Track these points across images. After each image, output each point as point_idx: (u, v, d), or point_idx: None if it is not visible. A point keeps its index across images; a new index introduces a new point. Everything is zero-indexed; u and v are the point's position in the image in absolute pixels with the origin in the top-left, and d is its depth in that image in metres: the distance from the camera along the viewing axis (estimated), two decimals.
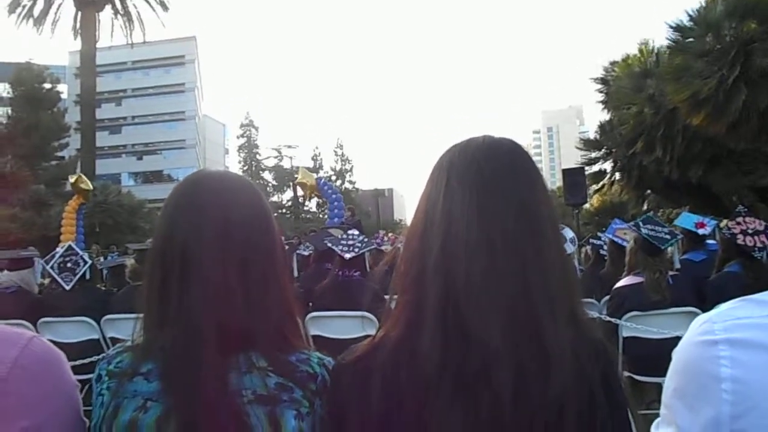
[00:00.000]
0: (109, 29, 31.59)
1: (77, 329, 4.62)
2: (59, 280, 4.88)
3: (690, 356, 0.80)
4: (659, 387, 3.62)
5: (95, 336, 4.62)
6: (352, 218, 14.99)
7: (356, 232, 4.62)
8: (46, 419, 0.88)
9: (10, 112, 33.46)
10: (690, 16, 14.45)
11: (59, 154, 35.65)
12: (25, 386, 0.86)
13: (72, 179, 17.17)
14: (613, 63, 19.69)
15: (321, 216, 39.88)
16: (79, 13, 28.47)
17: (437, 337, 0.89)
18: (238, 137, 62.46)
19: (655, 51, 17.68)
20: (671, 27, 14.75)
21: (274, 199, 56.59)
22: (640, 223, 3.94)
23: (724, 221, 4.34)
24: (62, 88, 39.67)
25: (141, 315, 1.05)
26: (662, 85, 15.06)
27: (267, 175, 59.71)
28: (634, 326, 3.73)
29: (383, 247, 7.22)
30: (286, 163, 58.43)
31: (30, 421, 0.85)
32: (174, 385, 0.95)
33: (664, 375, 0.86)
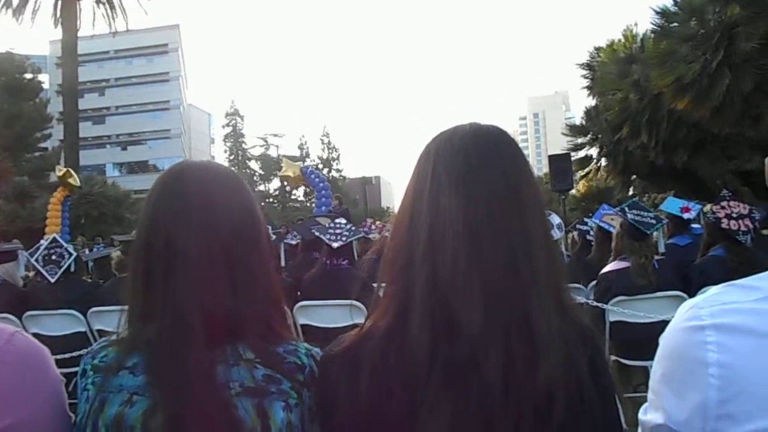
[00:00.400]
0: (90, 18, 31.07)
1: (63, 322, 4.58)
2: (44, 272, 4.83)
3: (677, 342, 0.80)
4: (646, 370, 3.67)
5: (82, 329, 4.59)
6: (339, 207, 14.94)
7: (343, 221, 4.61)
8: (31, 415, 0.87)
9: None
10: (674, 1, 14.51)
11: (42, 145, 35.26)
12: (7, 382, 0.84)
13: (60, 173, 16.94)
14: (598, 48, 19.77)
15: (308, 205, 39.80)
16: (60, 2, 27.98)
17: (425, 327, 0.88)
18: (223, 126, 61.98)
19: (640, 36, 17.76)
20: (656, 12, 14.84)
21: (261, 188, 56.30)
22: (626, 209, 3.97)
23: (709, 205, 4.39)
24: (44, 78, 39.21)
25: (126, 307, 1.04)
26: (647, 70, 15.16)
27: (254, 165, 59.33)
28: (621, 311, 3.77)
29: (371, 236, 7.21)
30: (272, 152, 58.11)
31: (14, 418, 0.84)
32: (160, 379, 0.94)
33: (650, 358, 0.86)
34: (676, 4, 14.48)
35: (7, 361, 0.85)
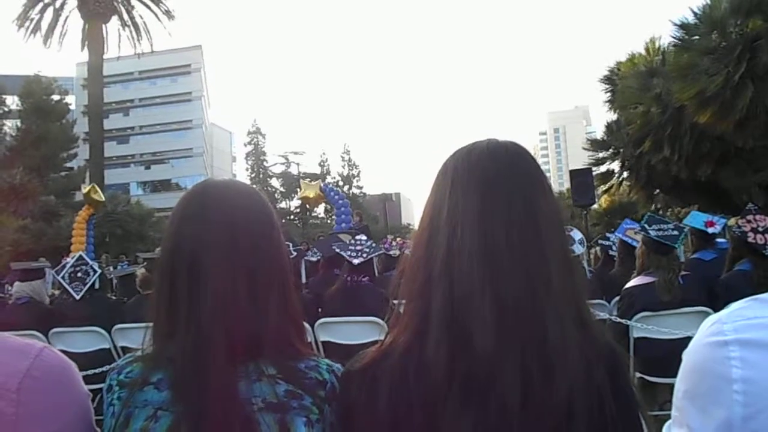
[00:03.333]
0: (116, 40, 31.87)
1: (88, 339, 4.65)
2: (70, 289, 4.91)
3: (700, 357, 0.79)
4: (672, 388, 3.59)
5: (106, 345, 4.65)
6: (360, 223, 14.95)
7: (364, 237, 4.62)
8: (59, 429, 0.89)
9: (19, 124, 33.82)
10: (695, 13, 14.42)
11: (68, 164, 35.97)
12: (36, 397, 0.86)
13: (85, 189, 17.23)
14: (618, 63, 19.65)
15: (329, 222, 39.87)
16: (86, 25, 28.70)
17: (443, 344, 0.89)
18: (245, 144, 62.63)
19: (661, 50, 17.62)
20: (676, 25, 14.72)
21: (282, 205, 56.62)
22: (646, 226, 3.91)
23: (734, 219, 4.31)
24: (70, 99, 40.03)
25: (150, 324, 1.06)
26: (669, 83, 15.01)
27: (275, 182, 59.76)
28: (645, 327, 3.71)
29: (391, 252, 7.21)
30: (293, 170, 58.52)
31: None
32: (184, 395, 0.96)
33: (676, 375, 0.85)
34: (696, 17, 14.37)
35: (36, 376, 0.87)
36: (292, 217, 54.33)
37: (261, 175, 59.62)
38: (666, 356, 3.36)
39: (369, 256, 4.33)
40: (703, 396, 0.77)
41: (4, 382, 0.84)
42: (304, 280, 6.43)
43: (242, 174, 61.85)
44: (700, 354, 0.80)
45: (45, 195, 29.10)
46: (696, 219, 5.06)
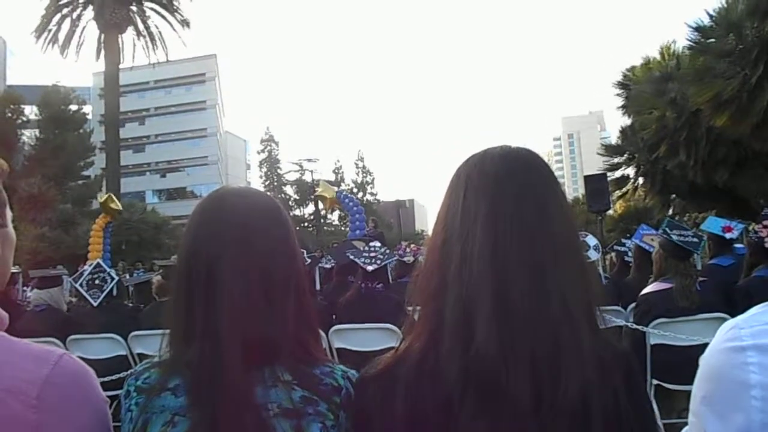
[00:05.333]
0: (131, 50, 32.17)
1: (105, 346, 4.69)
2: (87, 296, 4.97)
3: (718, 363, 0.79)
4: (689, 395, 3.55)
5: (123, 352, 4.68)
6: (374, 230, 14.97)
7: (378, 244, 4.63)
8: None
9: (38, 133, 34.23)
10: (710, 16, 14.29)
11: (85, 173, 36.33)
12: (56, 403, 0.87)
13: (102, 198, 17.44)
14: (632, 67, 19.56)
15: (343, 229, 39.91)
16: (103, 36, 29.07)
17: (456, 349, 0.89)
18: (259, 152, 62.98)
19: (676, 53, 17.51)
20: (691, 28, 14.61)
21: (296, 212, 56.75)
22: (668, 230, 3.88)
23: (752, 224, 4.26)
24: (87, 109, 40.52)
25: (167, 331, 1.07)
26: (684, 87, 14.90)
27: (289, 189, 59.97)
28: (662, 333, 3.67)
29: (405, 259, 7.19)
30: (307, 177, 58.70)
31: None
32: (200, 400, 0.97)
33: (693, 382, 0.84)
34: (712, 19, 14.25)
35: (56, 382, 0.88)
36: (306, 224, 54.48)
37: (275, 183, 59.91)
38: (684, 363, 3.30)
39: (383, 263, 4.33)
40: (720, 402, 0.77)
41: (25, 389, 0.85)
42: (318, 287, 6.44)
43: (256, 182, 62.15)
44: (717, 359, 0.79)
45: (63, 203, 29.45)
46: (713, 224, 5.00)
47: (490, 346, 0.86)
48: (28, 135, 34.41)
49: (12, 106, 31.92)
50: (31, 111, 34.84)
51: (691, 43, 14.80)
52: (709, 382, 0.80)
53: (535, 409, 0.83)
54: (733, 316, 0.81)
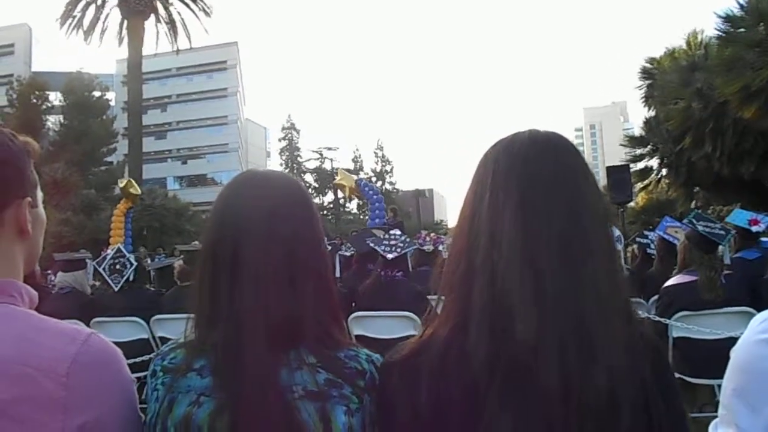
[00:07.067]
0: (154, 37, 32.38)
1: (128, 329, 4.76)
2: (109, 281, 5.04)
3: (749, 355, 0.78)
4: (712, 389, 3.51)
5: (144, 335, 4.76)
6: (394, 219, 14.96)
7: (398, 233, 4.63)
8: (106, 413, 0.91)
9: (62, 119, 34.72)
10: (740, 5, 14.02)
11: (108, 159, 36.82)
12: (84, 382, 0.89)
13: (121, 183, 17.63)
14: (656, 58, 19.24)
15: (362, 217, 39.98)
16: (126, 22, 29.31)
17: (483, 336, 0.88)
18: (279, 140, 63.26)
19: (703, 43, 17.19)
20: (720, 17, 14.33)
21: (316, 201, 56.59)
22: (694, 221, 3.83)
23: None
24: (110, 95, 40.96)
25: (191, 314, 1.07)
26: (711, 78, 14.64)
27: (308, 177, 60.15)
28: (685, 326, 3.63)
29: (425, 247, 7.19)
30: (327, 165, 58.83)
31: (90, 416, 0.88)
32: (225, 381, 0.97)
33: (717, 377, 0.83)
34: (742, 8, 13.95)
35: (84, 361, 0.90)
36: (325, 212, 54.67)
37: (295, 171, 60.10)
38: (707, 357, 3.29)
39: (403, 251, 4.33)
40: (752, 394, 0.76)
41: (54, 367, 0.87)
42: (338, 274, 6.47)
43: (276, 169, 62.33)
44: (749, 352, 0.78)
45: (86, 189, 29.84)
46: (739, 217, 4.93)
47: (529, 333, 0.85)
48: (53, 121, 34.88)
49: (37, 92, 32.34)
50: (55, 97, 35.28)
51: (720, 33, 14.52)
52: (741, 375, 0.78)
53: (563, 398, 0.82)
54: (758, 310, 0.80)
